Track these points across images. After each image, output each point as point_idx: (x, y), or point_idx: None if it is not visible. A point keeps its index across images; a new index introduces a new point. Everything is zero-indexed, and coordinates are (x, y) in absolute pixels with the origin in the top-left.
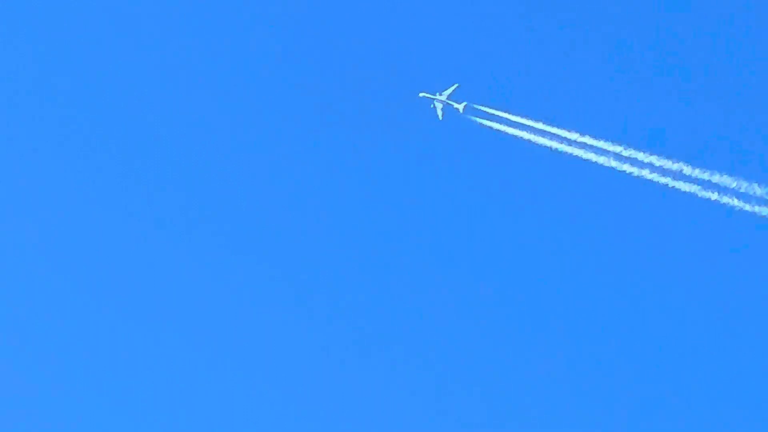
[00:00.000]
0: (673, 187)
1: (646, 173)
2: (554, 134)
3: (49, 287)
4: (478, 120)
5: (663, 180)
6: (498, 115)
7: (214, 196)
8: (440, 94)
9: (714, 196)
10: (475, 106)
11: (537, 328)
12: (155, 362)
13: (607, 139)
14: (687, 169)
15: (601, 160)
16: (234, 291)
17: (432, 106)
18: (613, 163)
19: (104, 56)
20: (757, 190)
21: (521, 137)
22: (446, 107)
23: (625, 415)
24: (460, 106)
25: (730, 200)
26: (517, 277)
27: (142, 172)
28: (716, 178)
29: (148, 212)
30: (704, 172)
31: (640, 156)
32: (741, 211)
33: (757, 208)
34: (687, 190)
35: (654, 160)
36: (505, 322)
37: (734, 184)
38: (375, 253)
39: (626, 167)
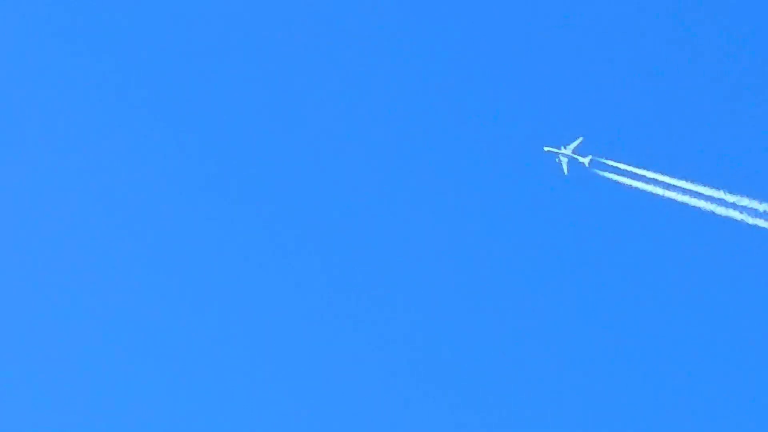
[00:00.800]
0: None
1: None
2: (682, 187)
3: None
4: (604, 174)
5: None
6: (624, 169)
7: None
8: (565, 148)
9: None
10: (601, 159)
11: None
12: (155, 362)
13: (742, 194)
14: None
15: (737, 215)
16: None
17: (557, 160)
18: (750, 219)
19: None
20: None
21: (649, 191)
22: (571, 161)
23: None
24: (585, 160)
25: None
26: (641, 334)
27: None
28: None
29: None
30: None
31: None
32: None
33: None
34: None
35: None
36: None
37: None
38: (508, 309)
39: (760, 222)
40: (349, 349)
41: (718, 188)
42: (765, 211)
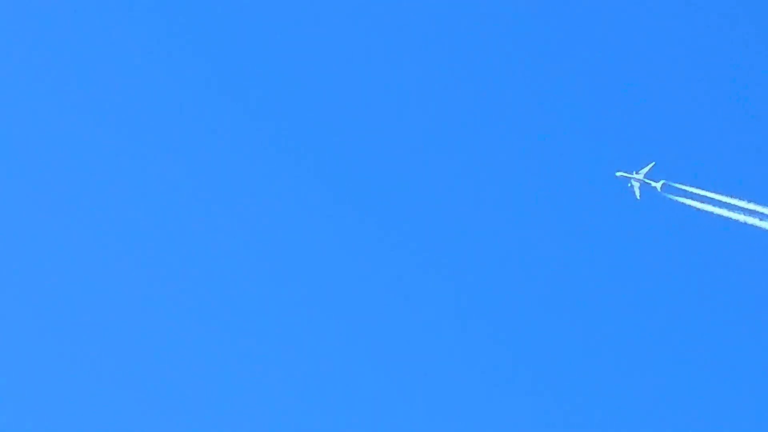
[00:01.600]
0: None
1: None
2: (756, 211)
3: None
4: (676, 198)
5: None
6: (696, 193)
7: None
8: (637, 173)
9: None
10: (673, 184)
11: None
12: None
13: None
14: None
15: None
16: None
17: (629, 185)
18: None
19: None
20: None
21: (722, 215)
22: (643, 186)
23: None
24: (658, 185)
25: None
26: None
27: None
28: None
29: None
30: None
31: None
32: None
33: None
34: None
35: None
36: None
37: None
38: (584, 333)
39: None
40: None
41: None
42: None
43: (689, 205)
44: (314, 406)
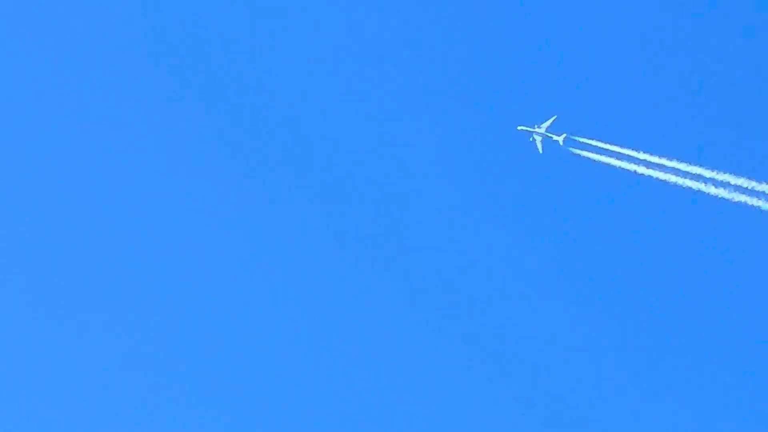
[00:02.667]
0: None
1: (752, 201)
2: (656, 163)
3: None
4: (578, 151)
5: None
6: (598, 146)
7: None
8: (538, 127)
9: None
10: (575, 137)
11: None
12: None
13: (712, 167)
14: None
15: (709, 189)
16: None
17: (531, 139)
18: (720, 192)
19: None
20: None
21: (624, 168)
22: (546, 140)
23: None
24: (560, 138)
25: None
26: (619, 310)
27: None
28: None
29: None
30: None
31: (745, 183)
32: None
33: None
34: None
35: (757, 186)
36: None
37: None
38: (476, 287)
39: (735, 196)
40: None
41: (694, 164)
42: (741, 186)
43: (591, 158)
44: (312, 408)
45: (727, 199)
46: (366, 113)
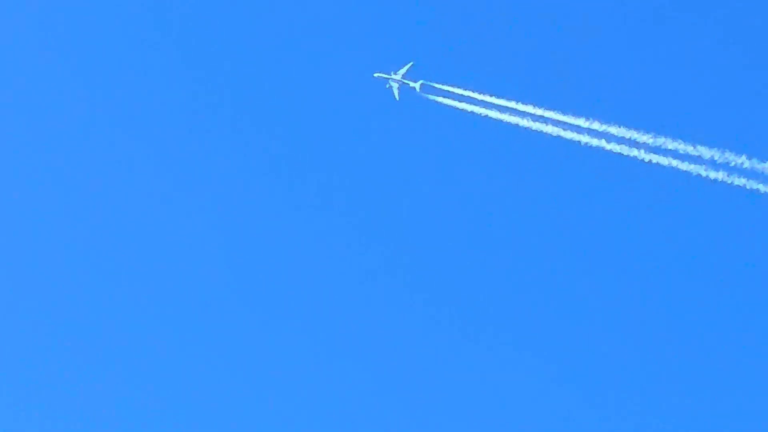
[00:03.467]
0: (626, 155)
1: (609, 145)
2: (514, 109)
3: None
4: (436, 98)
5: (623, 151)
6: (455, 92)
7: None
8: (395, 74)
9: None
10: (432, 84)
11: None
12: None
13: (569, 113)
14: (637, 136)
15: (566, 134)
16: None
17: (387, 86)
18: (577, 137)
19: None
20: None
21: (481, 114)
22: (402, 87)
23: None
24: (417, 85)
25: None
26: (473, 256)
27: None
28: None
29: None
30: (654, 137)
31: (604, 128)
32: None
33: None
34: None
35: (616, 131)
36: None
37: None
38: (335, 241)
39: (592, 140)
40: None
41: (552, 109)
42: (593, 129)
43: (448, 105)
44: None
45: (584, 143)
46: (216, 67)
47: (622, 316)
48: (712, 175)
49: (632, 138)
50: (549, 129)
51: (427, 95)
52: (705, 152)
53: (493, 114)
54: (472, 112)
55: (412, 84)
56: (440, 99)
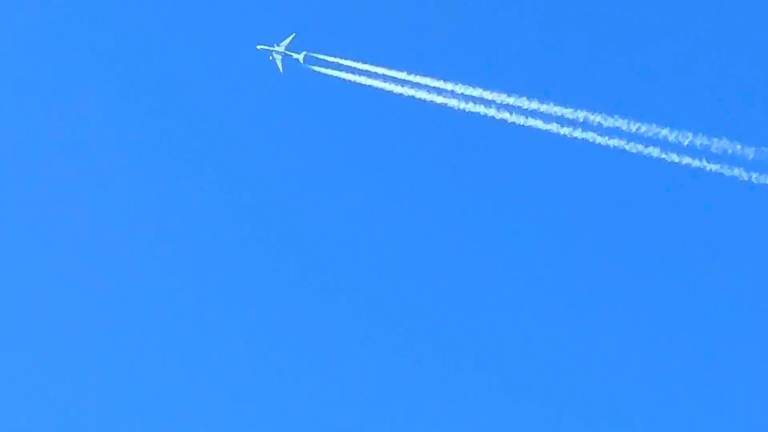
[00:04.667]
0: (516, 123)
1: (489, 111)
2: (399, 78)
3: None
4: (320, 69)
5: (521, 121)
6: (339, 63)
7: None
8: (278, 45)
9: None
10: (315, 54)
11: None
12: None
13: (449, 79)
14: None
15: (453, 102)
16: None
17: (270, 58)
18: (465, 105)
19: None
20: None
21: (366, 84)
22: (286, 59)
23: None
24: (300, 57)
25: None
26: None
27: None
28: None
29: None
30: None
31: (483, 94)
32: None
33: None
34: (537, 126)
35: (505, 98)
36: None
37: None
38: (231, 215)
39: (480, 108)
40: None
41: (437, 77)
42: (483, 97)
43: (332, 75)
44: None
45: (468, 111)
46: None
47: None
48: (679, 159)
49: (522, 106)
50: (432, 97)
51: (311, 66)
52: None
53: (378, 84)
54: (356, 83)
55: (295, 55)
56: (324, 70)
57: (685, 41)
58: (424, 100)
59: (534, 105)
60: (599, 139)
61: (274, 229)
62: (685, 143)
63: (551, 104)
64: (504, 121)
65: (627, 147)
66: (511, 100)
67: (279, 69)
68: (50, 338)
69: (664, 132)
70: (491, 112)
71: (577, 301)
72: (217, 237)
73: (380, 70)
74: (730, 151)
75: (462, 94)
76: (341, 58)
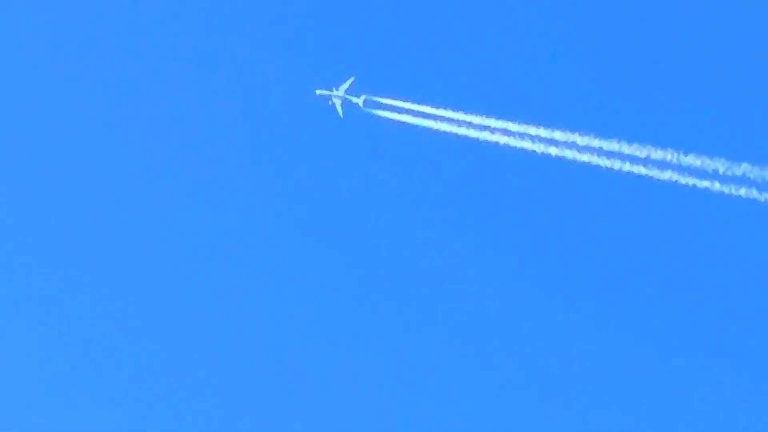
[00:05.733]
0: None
1: (564, 152)
2: (459, 120)
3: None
4: (380, 112)
5: (583, 158)
6: (398, 106)
7: None
8: (336, 90)
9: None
10: (374, 98)
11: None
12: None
13: (512, 120)
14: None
15: (512, 142)
16: None
17: (330, 103)
18: (527, 145)
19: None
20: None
21: (426, 126)
22: (345, 103)
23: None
24: (359, 100)
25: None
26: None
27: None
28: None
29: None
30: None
31: (549, 134)
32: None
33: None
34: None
35: (571, 137)
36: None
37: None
38: (283, 262)
39: (541, 147)
40: None
41: (501, 118)
42: (550, 138)
43: (393, 119)
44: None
45: (542, 153)
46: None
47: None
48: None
49: (578, 142)
50: (498, 138)
51: (371, 110)
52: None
53: (439, 125)
54: (417, 125)
55: (354, 99)
56: (384, 113)
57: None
58: (487, 141)
59: (597, 143)
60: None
61: (338, 275)
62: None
63: (615, 141)
64: (564, 158)
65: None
66: (575, 138)
67: (339, 114)
68: (50, 338)
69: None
70: (558, 151)
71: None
72: (287, 289)
73: (439, 112)
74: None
75: (526, 134)
76: (400, 100)
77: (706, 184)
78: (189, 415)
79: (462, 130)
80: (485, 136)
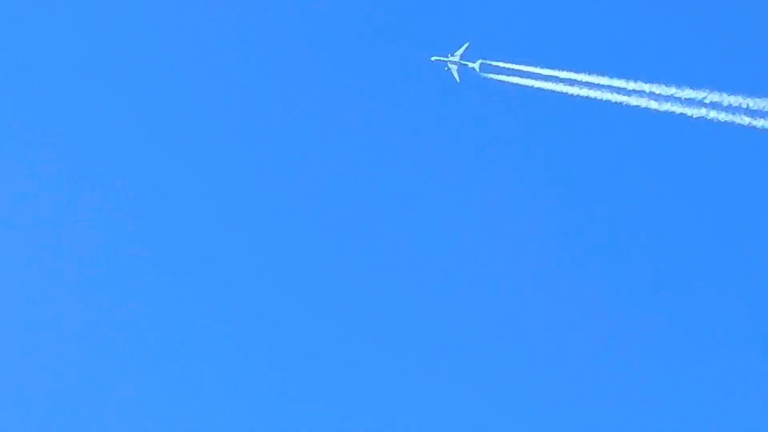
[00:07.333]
0: (705, 117)
1: (672, 107)
2: (575, 80)
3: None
4: (496, 77)
5: (694, 113)
6: (514, 69)
7: None
8: (452, 56)
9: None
10: (490, 62)
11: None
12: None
13: (624, 77)
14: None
15: (626, 99)
16: None
17: (446, 69)
18: (636, 101)
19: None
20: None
21: (543, 87)
22: (461, 68)
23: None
24: (476, 65)
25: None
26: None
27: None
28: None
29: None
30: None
31: (662, 90)
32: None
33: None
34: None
35: (680, 92)
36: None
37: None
38: (403, 225)
39: (652, 103)
40: None
41: (612, 76)
42: (669, 95)
43: (509, 82)
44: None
45: (653, 109)
46: (273, 51)
47: None
48: None
49: (693, 98)
50: (612, 96)
51: (487, 74)
52: None
53: (557, 87)
54: (535, 87)
55: (470, 64)
56: (501, 77)
57: None
58: (604, 100)
59: (717, 98)
60: None
61: (452, 239)
62: None
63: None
64: (691, 117)
65: None
66: (702, 95)
67: (456, 79)
68: (50, 338)
69: None
70: (681, 109)
71: None
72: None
73: (556, 73)
74: None
75: (646, 92)
76: (516, 64)
77: None
78: (189, 415)
79: (579, 90)
80: (602, 95)
